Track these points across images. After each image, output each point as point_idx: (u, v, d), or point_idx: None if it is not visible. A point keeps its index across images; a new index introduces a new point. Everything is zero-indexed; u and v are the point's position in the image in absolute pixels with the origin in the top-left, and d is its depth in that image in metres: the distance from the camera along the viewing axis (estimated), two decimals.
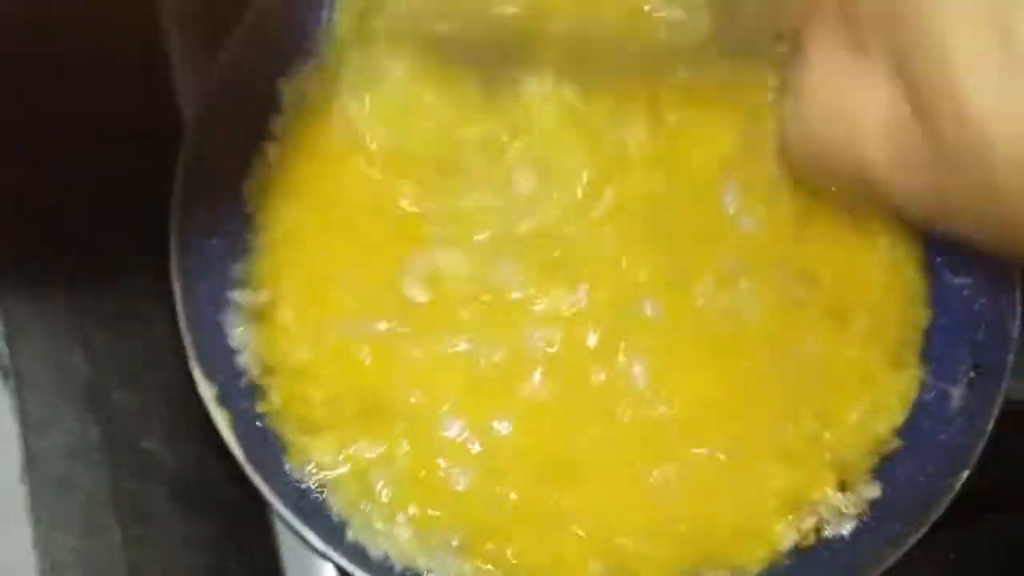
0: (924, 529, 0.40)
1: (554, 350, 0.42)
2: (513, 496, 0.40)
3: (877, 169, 0.33)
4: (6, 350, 0.43)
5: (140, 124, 0.47)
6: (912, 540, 0.40)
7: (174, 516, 0.45)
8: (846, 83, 0.34)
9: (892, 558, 0.40)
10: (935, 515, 0.40)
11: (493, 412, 0.41)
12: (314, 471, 0.42)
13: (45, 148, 0.43)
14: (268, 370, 0.43)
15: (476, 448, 0.41)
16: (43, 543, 0.41)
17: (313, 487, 0.42)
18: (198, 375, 0.41)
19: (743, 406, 0.42)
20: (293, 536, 0.41)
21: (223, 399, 0.41)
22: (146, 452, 0.46)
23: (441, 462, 0.41)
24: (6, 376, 0.43)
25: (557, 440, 0.41)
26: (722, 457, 0.41)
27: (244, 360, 0.43)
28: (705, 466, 0.41)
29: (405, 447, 0.41)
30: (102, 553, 0.43)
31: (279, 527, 0.44)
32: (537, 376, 0.41)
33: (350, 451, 0.41)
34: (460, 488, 0.40)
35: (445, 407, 0.41)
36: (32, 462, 0.42)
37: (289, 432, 0.42)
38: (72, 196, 0.45)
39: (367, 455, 0.41)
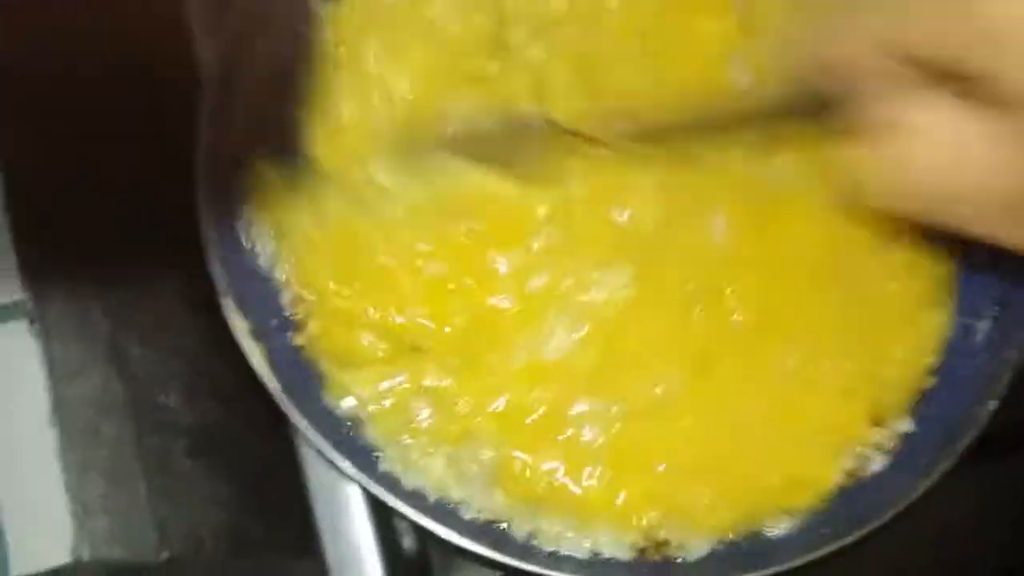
0: (953, 460, 0.40)
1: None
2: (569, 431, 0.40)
3: (986, 223, 0.33)
4: (30, 298, 0.43)
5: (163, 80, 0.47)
6: (941, 470, 0.40)
7: (195, 472, 0.45)
8: (960, 140, 0.32)
9: (922, 488, 0.40)
10: (963, 445, 0.40)
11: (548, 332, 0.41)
12: (352, 404, 0.42)
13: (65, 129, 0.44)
14: (304, 304, 0.43)
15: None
16: (73, 487, 0.41)
17: (348, 420, 0.42)
18: (231, 309, 0.41)
19: (804, 334, 0.42)
20: (320, 485, 0.41)
21: (257, 334, 0.41)
22: (165, 408, 0.46)
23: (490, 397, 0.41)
24: (31, 322, 0.43)
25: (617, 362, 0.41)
26: (785, 383, 0.41)
27: (279, 294, 0.43)
28: (764, 401, 0.41)
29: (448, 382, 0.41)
30: (129, 502, 0.43)
31: (306, 476, 0.44)
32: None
33: (391, 384, 0.41)
34: (500, 411, 0.40)
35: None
36: (60, 409, 0.42)
37: (326, 366, 0.42)
38: (89, 160, 0.45)
39: (407, 386, 0.41)
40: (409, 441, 0.41)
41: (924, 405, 0.43)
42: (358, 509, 0.41)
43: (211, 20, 0.46)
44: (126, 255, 0.46)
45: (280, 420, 0.41)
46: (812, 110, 0.38)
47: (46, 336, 0.43)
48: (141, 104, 0.46)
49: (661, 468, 0.40)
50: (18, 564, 0.41)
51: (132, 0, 0.45)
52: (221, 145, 0.42)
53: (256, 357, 0.40)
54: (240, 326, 0.41)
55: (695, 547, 0.41)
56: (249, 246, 0.44)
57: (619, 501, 0.40)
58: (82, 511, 0.41)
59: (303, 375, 0.42)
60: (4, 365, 0.43)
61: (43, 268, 0.44)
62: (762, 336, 0.41)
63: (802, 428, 0.41)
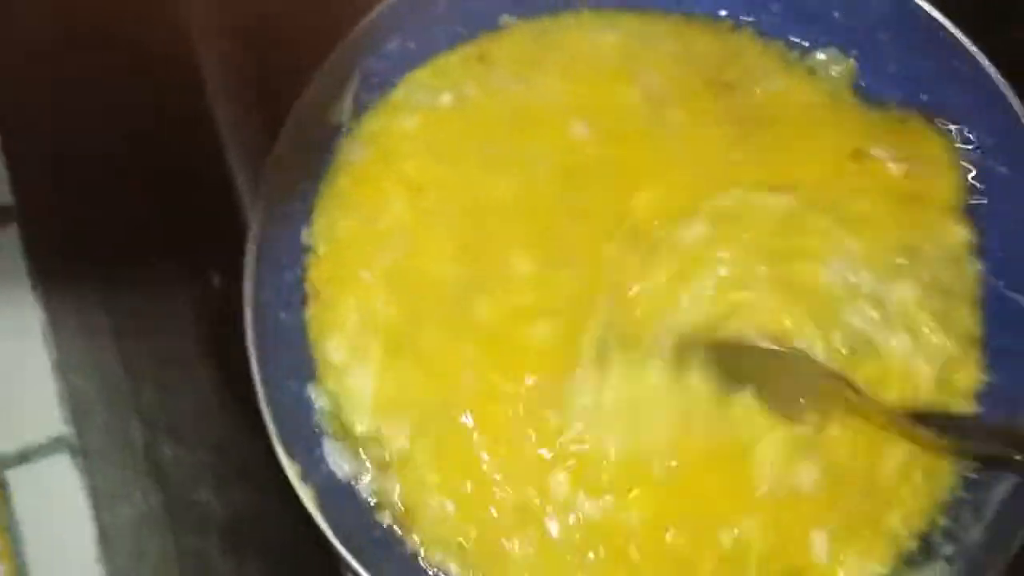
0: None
1: None
2: None
3: None
4: (73, 428, 0.42)
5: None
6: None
7: (228, 564, 0.45)
8: None
9: None
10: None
11: None
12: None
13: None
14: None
15: None
16: None
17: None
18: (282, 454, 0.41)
19: None
20: None
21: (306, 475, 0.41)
22: (200, 504, 0.46)
23: None
24: (73, 454, 0.42)
25: None
26: None
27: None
28: None
29: None
30: None
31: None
32: None
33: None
34: None
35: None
36: (105, 538, 0.42)
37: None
38: (124, 250, 0.44)
39: None
40: None
41: None
42: None
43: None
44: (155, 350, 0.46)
45: None
46: None
47: (89, 463, 0.43)
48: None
49: None
50: None
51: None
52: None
53: (308, 500, 0.41)
54: (291, 471, 0.41)
55: None
56: None
57: None
58: None
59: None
60: (48, 499, 0.42)
61: (80, 387, 0.43)
62: None
63: None
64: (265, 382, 0.41)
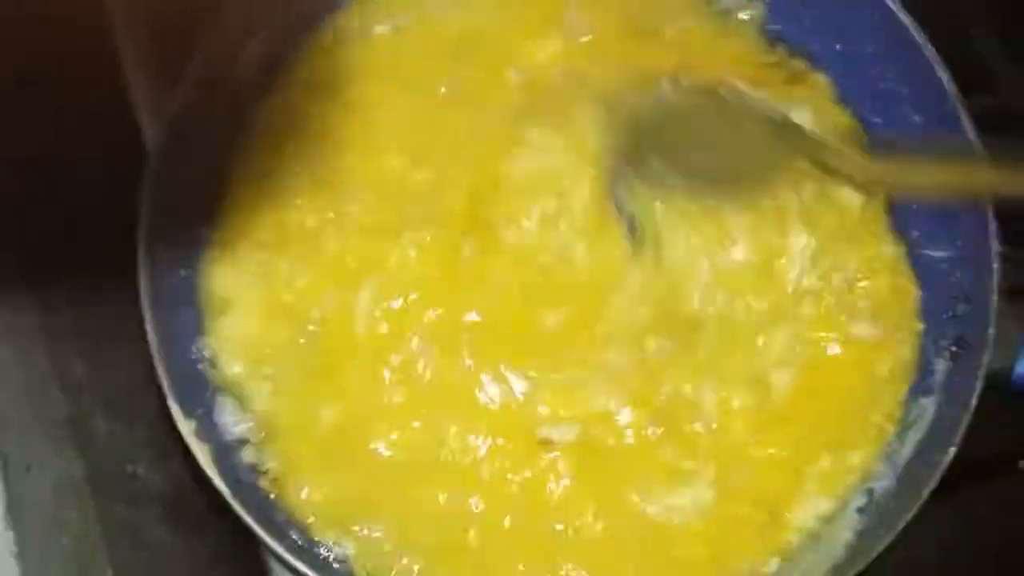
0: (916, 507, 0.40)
1: None
2: None
3: None
4: None
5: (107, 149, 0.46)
6: (906, 520, 0.40)
7: (166, 540, 0.45)
8: None
9: (888, 539, 0.40)
10: (926, 492, 0.40)
11: None
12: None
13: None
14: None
15: None
16: None
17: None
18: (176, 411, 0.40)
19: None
20: None
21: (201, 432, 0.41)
22: (136, 477, 0.45)
23: None
24: None
25: None
26: None
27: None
28: None
29: None
30: None
31: None
32: None
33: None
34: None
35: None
36: (15, 504, 0.41)
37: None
38: (45, 228, 0.44)
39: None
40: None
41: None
42: None
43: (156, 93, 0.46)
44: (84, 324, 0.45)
45: None
46: None
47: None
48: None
49: None
50: None
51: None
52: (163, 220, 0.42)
53: (203, 458, 0.40)
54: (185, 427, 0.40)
55: None
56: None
57: None
58: None
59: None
60: None
61: None
62: None
63: None
64: (159, 338, 0.41)
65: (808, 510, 0.43)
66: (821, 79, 0.47)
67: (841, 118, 0.46)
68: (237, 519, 0.41)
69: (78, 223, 0.44)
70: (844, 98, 0.47)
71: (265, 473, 0.43)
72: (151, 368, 0.43)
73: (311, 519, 0.42)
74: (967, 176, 0.41)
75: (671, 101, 0.42)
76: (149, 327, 0.41)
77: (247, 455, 0.43)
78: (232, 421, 0.43)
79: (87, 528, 0.43)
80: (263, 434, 0.43)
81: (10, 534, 0.41)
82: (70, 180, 0.44)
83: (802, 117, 0.45)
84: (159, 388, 0.42)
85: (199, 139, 0.44)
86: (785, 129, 0.42)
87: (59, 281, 0.44)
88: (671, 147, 0.42)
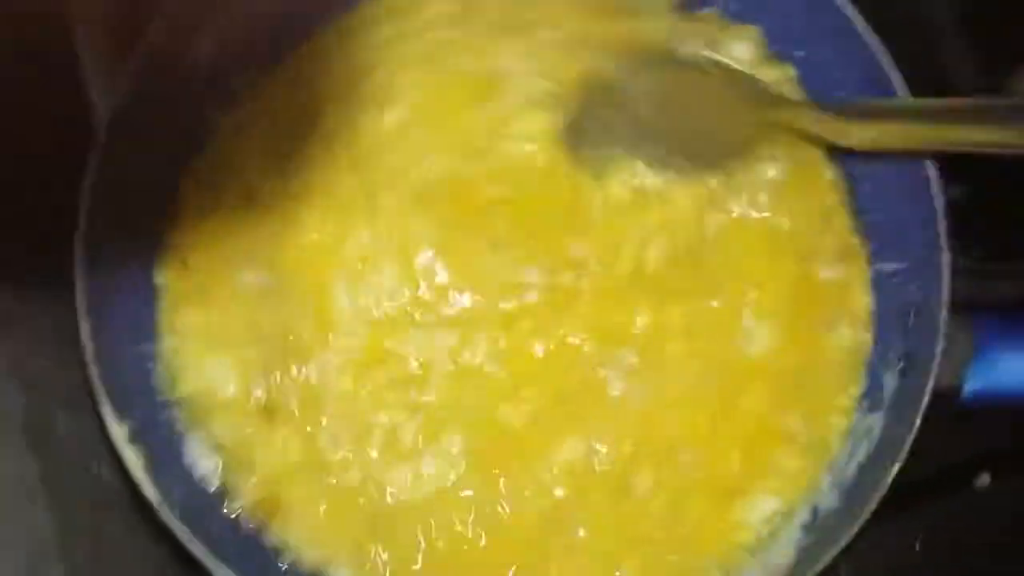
0: (859, 523, 0.39)
1: None
2: None
3: None
4: None
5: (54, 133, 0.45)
6: (849, 536, 0.39)
7: (125, 539, 0.45)
8: None
9: (832, 554, 0.39)
10: (869, 509, 0.40)
11: None
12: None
13: None
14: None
15: None
16: None
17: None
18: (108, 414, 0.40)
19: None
20: None
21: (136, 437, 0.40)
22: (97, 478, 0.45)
23: None
24: None
25: None
26: None
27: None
28: None
29: None
30: None
31: None
32: None
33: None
34: None
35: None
36: None
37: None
38: None
39: None
40: None
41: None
42: None
43: (109, 61, 0.45)
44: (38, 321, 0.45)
45: None
46: None
47: None
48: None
49: None
50: None
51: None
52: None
53: (135, 465, 0.40)
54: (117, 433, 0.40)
55: None
56: None
57: None
58: None
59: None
60: None
61: None
62: None
63: None
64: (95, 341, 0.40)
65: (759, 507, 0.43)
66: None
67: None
68: None
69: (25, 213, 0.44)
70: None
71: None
72: None
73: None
74: (938, 130, 0.40)
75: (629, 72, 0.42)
76: (83, 327, 0.40)
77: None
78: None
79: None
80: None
81: None
82: (18, 161, 0.43)
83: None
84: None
85: (149, 132, 0.44)
86: (756, 90, 0.41)
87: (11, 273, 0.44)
88: (632, 116, 0.42)
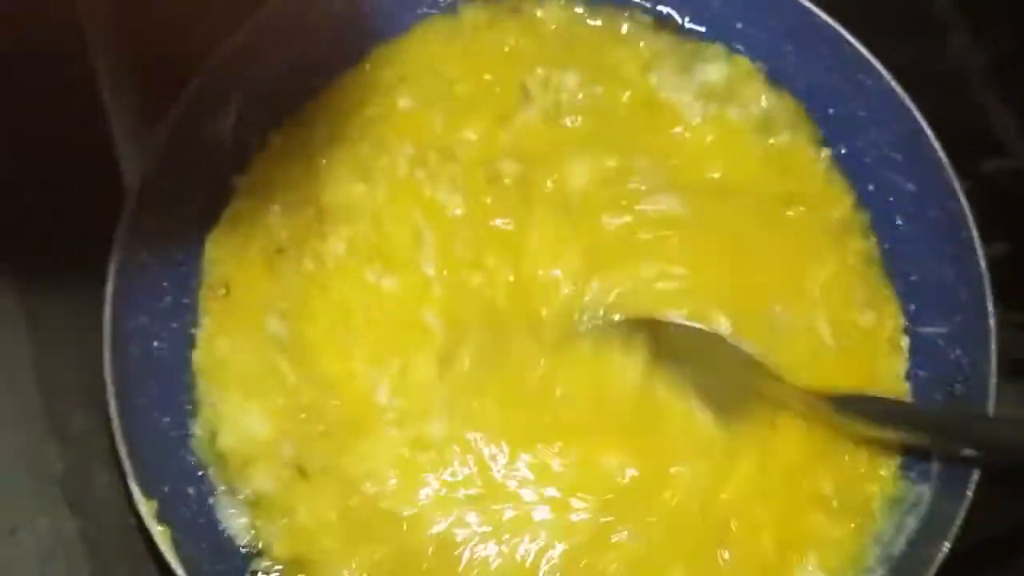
0: None
1: None
2: None
3: None
4: None
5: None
6: None
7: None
8: None
9: None
10: None
11: None
12: None
13: None
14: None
15: None
16: None
17: None
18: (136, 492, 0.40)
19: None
20: None
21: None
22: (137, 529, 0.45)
23: None
24: None
25: None
26: None
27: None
28: None
29: None
30: None
31: None
32: None
33: None
34: None
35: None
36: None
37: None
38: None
39: None
40: None
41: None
42: None
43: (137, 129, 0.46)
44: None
45: None
46: None
47: None
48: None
49: None
50: None
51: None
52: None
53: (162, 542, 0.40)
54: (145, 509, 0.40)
55: None
56: None
57: None
58: None
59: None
60: None
61: None
62: None
63: None
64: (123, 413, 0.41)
65: None
66: None
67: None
68: None
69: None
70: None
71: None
72: None
73: None
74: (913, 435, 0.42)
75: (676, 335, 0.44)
76: (112, 404, 0.41)
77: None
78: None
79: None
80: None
81: None
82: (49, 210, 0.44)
83: None
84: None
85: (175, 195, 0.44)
86: (750, 365, 0.43)
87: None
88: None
